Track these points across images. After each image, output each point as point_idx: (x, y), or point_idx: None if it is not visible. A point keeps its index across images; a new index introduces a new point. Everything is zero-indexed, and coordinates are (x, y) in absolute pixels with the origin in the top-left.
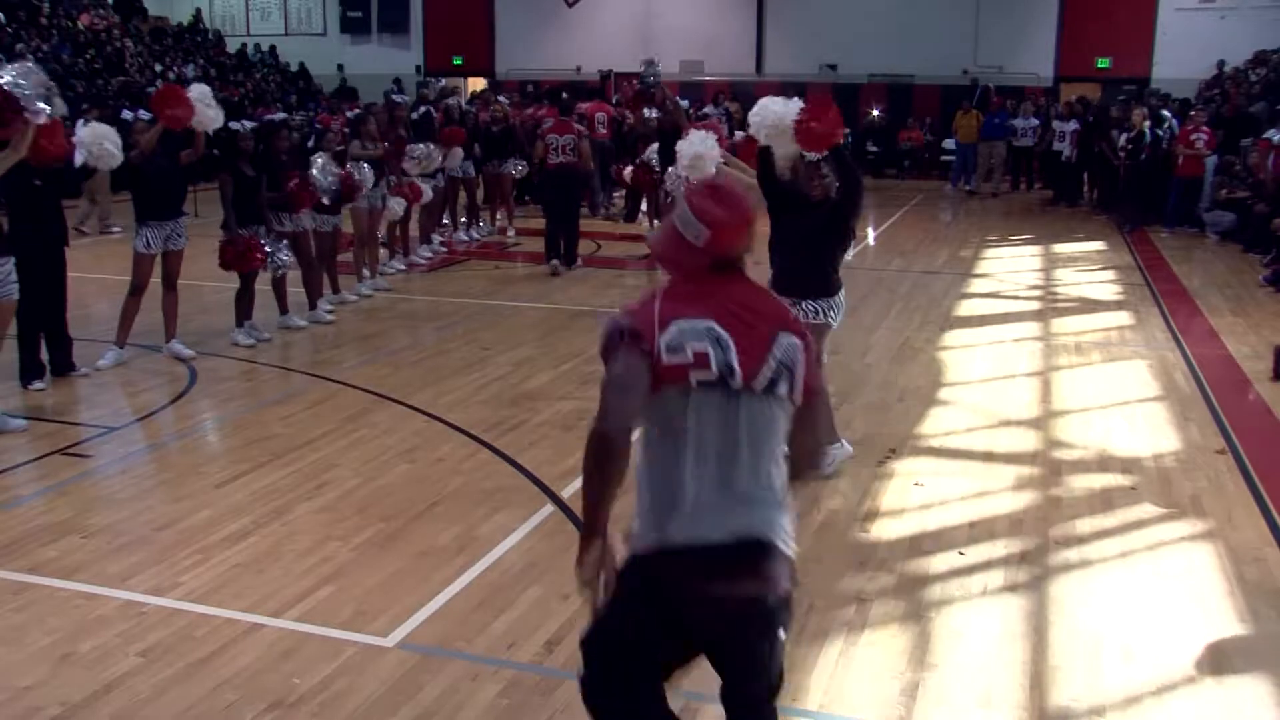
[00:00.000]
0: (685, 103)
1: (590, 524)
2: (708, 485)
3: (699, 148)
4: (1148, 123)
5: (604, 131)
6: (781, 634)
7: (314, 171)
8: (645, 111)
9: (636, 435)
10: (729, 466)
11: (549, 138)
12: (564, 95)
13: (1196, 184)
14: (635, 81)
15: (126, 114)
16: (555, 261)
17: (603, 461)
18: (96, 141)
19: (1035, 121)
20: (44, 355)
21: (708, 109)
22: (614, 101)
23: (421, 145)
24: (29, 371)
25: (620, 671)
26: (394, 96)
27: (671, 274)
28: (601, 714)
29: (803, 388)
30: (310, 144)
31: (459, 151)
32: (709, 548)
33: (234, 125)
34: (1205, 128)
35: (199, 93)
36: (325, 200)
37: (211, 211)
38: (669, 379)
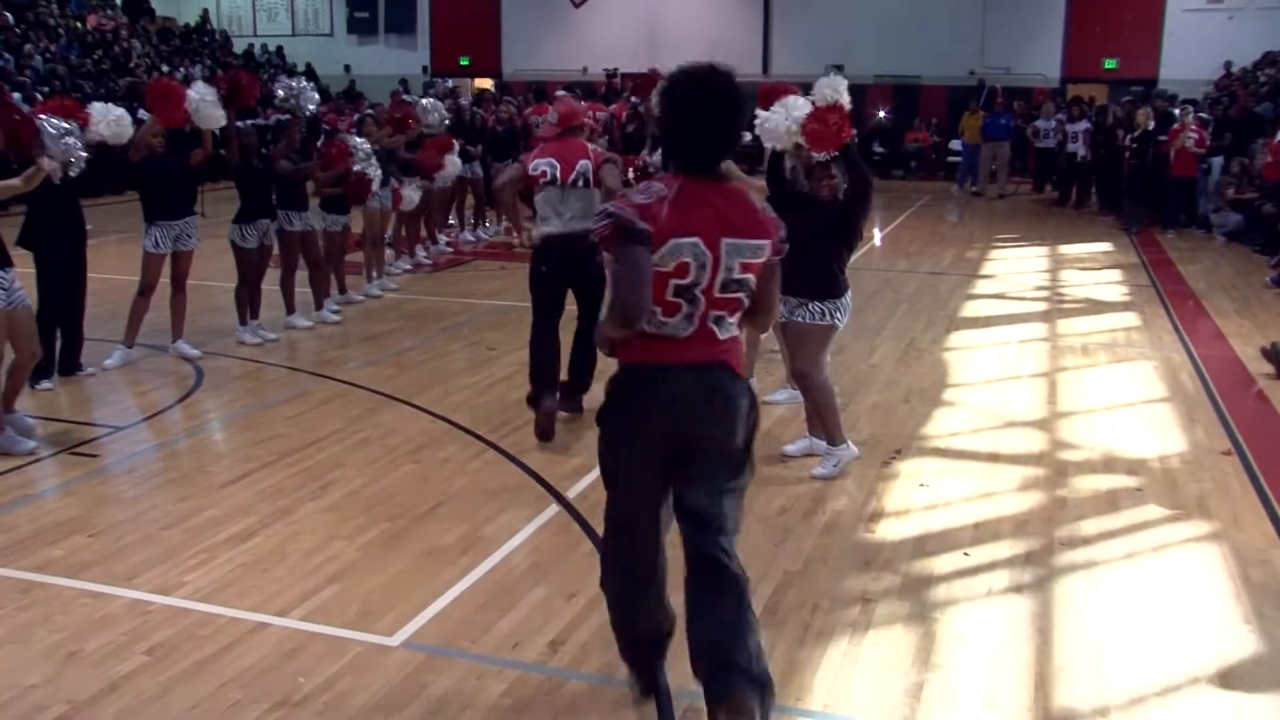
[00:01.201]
0: None
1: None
2: (557, 220)
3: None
4: (1152, 123)
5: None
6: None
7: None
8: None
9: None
10: (564, 214)
11: None
12: (562, 92)
13: (1190, 184)
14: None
15: (144, 114)
16: None
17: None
18: (106, 118)
19: (1054, 123)
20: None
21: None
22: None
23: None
24: (38, 370)
25: (541, 314)
26: (403, 97)
27: (548, 137)
28: (534, 338)
29: (593, 177)
30: (319, 143)
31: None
32: (560, 234)
33: (240, 125)
34: (1196, 127)
35: (201, 91)
36: (369, 175)
37: (220, 211)
38: (535, 182)
